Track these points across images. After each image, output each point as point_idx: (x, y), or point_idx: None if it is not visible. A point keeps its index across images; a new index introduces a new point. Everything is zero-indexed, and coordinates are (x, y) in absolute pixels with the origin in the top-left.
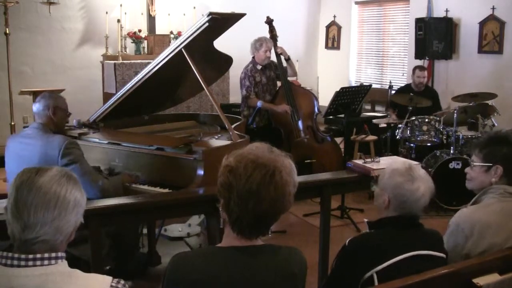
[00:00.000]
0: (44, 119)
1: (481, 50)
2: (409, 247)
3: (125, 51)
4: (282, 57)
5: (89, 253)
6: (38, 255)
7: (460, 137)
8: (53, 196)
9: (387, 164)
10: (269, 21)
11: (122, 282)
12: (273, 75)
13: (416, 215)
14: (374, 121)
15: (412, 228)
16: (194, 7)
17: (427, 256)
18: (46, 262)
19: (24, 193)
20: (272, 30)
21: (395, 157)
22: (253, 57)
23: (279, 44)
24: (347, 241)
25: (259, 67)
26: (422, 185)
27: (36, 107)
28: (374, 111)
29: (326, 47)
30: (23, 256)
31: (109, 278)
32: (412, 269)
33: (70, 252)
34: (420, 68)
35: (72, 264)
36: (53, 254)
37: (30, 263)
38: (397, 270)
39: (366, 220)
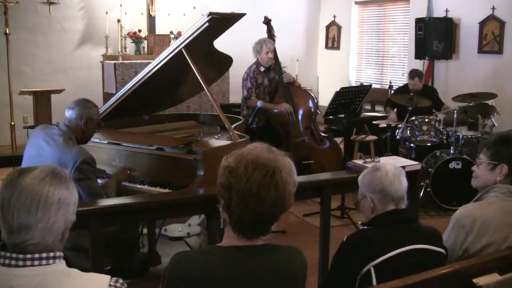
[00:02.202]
0: (74, 127)
1: (481, 50)
2: (406, 241)
3: (125, 51)
4: (281, 63)
5: (82, 259)
6: (36, 255)
7: (460, 137)
8: (34, 199)
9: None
10: (267, 21)
11: (121, 281)
12: (277, 77)
13: (403, 209)
14: (374, 121)
15: (406, 223)
16: (194, 7)
17: (425, 250)
18: (44, 262)
19: (7, 196)
20: (270, 30)
21: (395, 157)
22: (257, 59)
23: (277, 44)
24: (345, 237)
25: (262, 68)
26: (389, 171)
27: (69, 113)
28: (374, 111)
29: (326, 47)
30: (21, 256)
31: (108, 277)
32: (409, 263)
33: (64, 254)
34: (411, 76)
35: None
36: (51, 254)
37: (29, 263)
38: (394, 264)
39: (360, 222)
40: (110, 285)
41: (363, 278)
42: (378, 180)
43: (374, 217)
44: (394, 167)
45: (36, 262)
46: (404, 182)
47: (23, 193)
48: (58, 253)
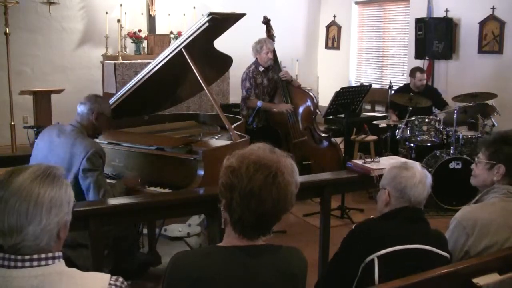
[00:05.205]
0: (85, 122)
1: (481, 50)
2: (413, 239)
3: (125, 51)
4: (281, 63)
5: (84, 257)
6: (35, 256)
7: (460, 137)
8: (24, 202)
9: (387, 164)
10: (266, 21)
11: (121, 279)
12: (275, 77)
13: (418, 208)
14: (374, 121)
15: (417, 222)
16: (194, 7)
17: (431, 252)
18: (43, 262)
19: None
20: (269, 30)
21: (395, 157)
22: (256, 59)
23: (277, 44)
24: (354, 225)
25: (261, 68)
26: (417, 173)
27: (81, 108)
28: (374, 111)
29: (326, 47)
30: (19, 257)
31: (108, 276)
32: (414, 262)
33: (65, 254)
34: (421, 70)
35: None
36: (50, 255)
37: (27, 264)
38: (399, 259)
39: (372, 216)
40: (110, 283)
41: (366, 269)
42: (402, 179)
43: (386, 213)
44: (423, 171)
45: (35, 263)
46: (428, 189)
47: (13, 195)
48: (57, 253)
